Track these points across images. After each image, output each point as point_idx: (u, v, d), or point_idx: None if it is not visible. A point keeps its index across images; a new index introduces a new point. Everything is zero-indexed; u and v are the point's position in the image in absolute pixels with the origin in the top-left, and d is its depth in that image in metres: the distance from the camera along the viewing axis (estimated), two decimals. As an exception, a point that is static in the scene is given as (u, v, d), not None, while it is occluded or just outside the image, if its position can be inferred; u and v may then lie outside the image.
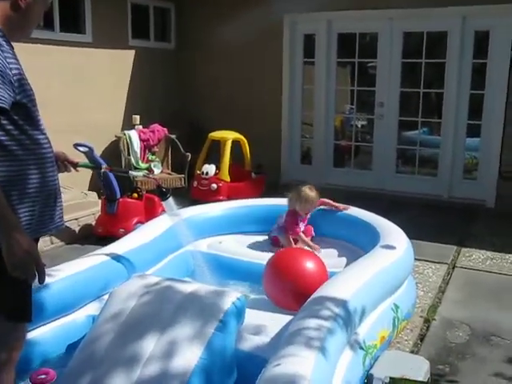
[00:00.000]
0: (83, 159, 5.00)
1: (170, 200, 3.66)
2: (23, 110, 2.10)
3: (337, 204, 4.80)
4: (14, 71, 2.03)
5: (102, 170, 3.80)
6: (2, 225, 1.95)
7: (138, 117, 7.30)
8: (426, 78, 7.48)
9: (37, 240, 2.31)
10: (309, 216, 4.68)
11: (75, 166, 3.02)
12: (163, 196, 3.64)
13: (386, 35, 7.52)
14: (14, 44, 2.13)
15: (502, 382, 3.26)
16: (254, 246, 4.62)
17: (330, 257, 4.53)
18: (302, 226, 4.60)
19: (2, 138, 2.05)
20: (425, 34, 7.32)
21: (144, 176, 4.26)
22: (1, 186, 1.98)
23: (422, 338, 3.80)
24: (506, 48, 6.79)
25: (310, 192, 4.58)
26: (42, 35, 6.03)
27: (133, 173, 4.04)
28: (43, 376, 2.84)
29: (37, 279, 2.06)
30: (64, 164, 2.87)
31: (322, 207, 4.81)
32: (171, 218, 4.02)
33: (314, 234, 4.73)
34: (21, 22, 2.16)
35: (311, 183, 4.73)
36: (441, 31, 7.29)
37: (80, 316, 3.33)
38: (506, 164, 7.03)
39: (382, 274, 3.49)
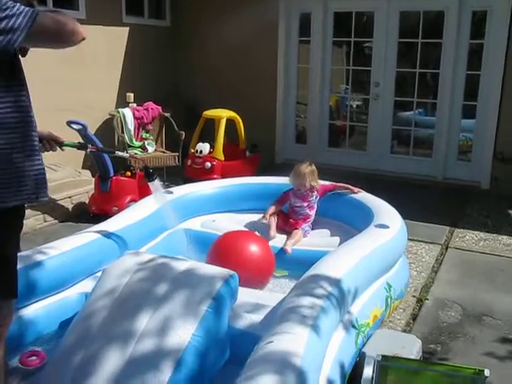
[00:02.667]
0: (77, 137, 4.97)
1: (157, 182, 3.66)
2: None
3: (351, 187, 4.71)
4: None
5: (89, 150, 3.75)
6: None
7: (131, 94, 7.23)
8: (422, 58, 7.44)
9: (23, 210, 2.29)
10: (313, 198, 4.62)
11: (60, 145, 2.97)
12: (149, 177, 3.64)
13: (383, 14, 7.45)
14: None
15: (493, 360, 3.28)
16: (248, 225, 4.62)
17: (323, 236, 4.54)
18: (298, 203, 4.61)
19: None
20: (421, 14, 7.26)
21: (131, 156, 4.26)
22: None
23: (414, 317, 3.82)
24: (503, 28, 6.73)
25: (299, 166, 4.59)
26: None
27: (119, 153, 4.00)
28: (33, 358, 2.84)
29: None
30: (49, 143, 2.83)
31: (338, 191, 4.75)
32: (157, 200, 4.01)
33: (306, 231, 4.55)
34: None
35: (310, 161, 4.70)
36: (438, 11, 7.24)
37: (73, 293, 3.34)
38: (501, 145, 7.02)
39: (375, 253, 3.50)
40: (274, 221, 4.53)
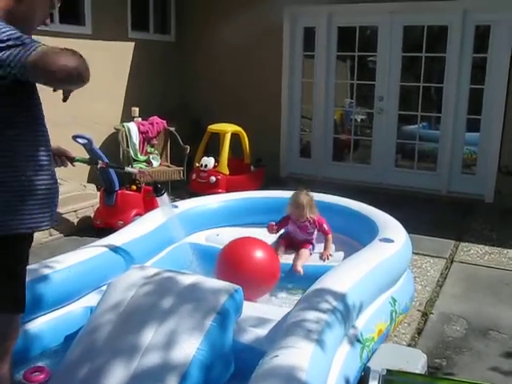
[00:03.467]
0: (82, 151, 5.00)
1: (165, 196, 3.69)
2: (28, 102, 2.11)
3: (328, 253, 4.39)
4: None
5: (99, 166, 3.80)
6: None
7: (137, 109, 7.28)
8: (425, 72, 7.47)
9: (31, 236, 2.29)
10: (310, 229, 4.42)
11: (72, 160, 3.00)
12: (158, 192, 3.68)
13: (386, 29, 7.50)
14: None
15: (499, 376, 3.26)
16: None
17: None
18: (298, 231, 4.46)
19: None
20: (425, 28, 7.30)
21: (139, 172, 4.31)
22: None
23: (419, 331, 3.81)
24: (507, 43, 6.76)
25: (297, 195, 4.42)
26: (41, 26, 5.97)
27: (128, 169, 4.04)
28: (37, 373, 2.84)
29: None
30: (61, 158, 2.86)
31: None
32: (164, 214, 4.02)
33: (311, 250, 4.43)
34: (24, 15, 2.14)
35: (307, 189, 4.51)
36: (441, 25, 7.28)
37: (78, 307, 3.33)
38: (505, 159, 7.02)
39: (380, 267, 3.50)
40: (281, 253, 4.35)
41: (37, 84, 2.16)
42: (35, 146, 2.15)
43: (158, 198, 3.74)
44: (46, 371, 2.86)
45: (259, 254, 3.92)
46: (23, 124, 2.12)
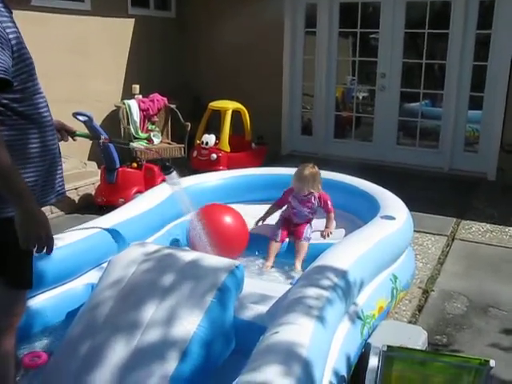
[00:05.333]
0: (82, 129, 4.97)
1: (174, 174, 3.62)
2: (22, 77, 2.08)
3: (330, 229, 4.41)
4: (11, 35, 2.00)
5: (101, 141, 3.74)
6: (20, 199, 1.97)
7: (137, 86, 7.23)
8: (428, 48, 7.40)
9: None
10: (315, 205, 4.38)
11: (72, 135, 2.98)
12: (166, 170, 3.60)
13: (389, 5, 7.41)
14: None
15: (499, 352, 3.28)
16: (253, 216, 4.60)
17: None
18: (299, 207, 4.39)
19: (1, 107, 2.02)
20: (428, 4, 7.21)
21: (146, 148, 4.21)
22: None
23: (420, 308, 3.83)
24: (511, 18, 6.68)
25: (302, 167, 4.35)
26: (38, 2, 5.87)
27: (133, 144, 3.98)
28: (36, 358, 2.85)
29: (45, 249, 2.08)
30: (61, 133, 2.83)
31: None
32: (173, 191, 3.97)
33: (309, 235, 4.33)
34: None
35: (313, 163, 4.43)
36: (444, 1, 7.19)
37: (79, 284, 3.35)
38: (508, 137, 6.98)
39: (381, 244, 3.49)
40: (273, 251, 4.24)
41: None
42: None
43: (166, 176, 3.68)
44: (44, 356, 2.87)
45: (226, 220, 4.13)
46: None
